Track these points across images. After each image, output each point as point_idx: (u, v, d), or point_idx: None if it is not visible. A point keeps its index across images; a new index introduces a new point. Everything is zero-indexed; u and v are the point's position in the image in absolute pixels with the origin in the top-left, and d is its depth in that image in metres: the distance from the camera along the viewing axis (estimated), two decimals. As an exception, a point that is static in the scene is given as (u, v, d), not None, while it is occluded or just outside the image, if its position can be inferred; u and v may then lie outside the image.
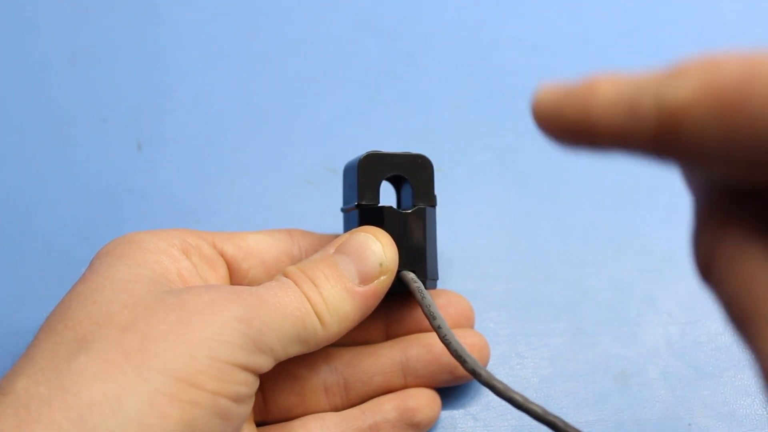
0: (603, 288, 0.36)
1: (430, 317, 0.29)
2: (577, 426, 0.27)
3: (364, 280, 0.29)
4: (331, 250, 0.29)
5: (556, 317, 0.36)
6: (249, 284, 0.30)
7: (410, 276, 0.30)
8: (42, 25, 0.42)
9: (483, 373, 0.28)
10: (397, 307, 0.33)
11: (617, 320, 0.35)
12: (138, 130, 0.40)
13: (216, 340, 0.25)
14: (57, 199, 0.38)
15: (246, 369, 0.25)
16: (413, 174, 0.31)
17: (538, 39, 0.42)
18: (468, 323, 0.33)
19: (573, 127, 0.16)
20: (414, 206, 0.31)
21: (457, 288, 0.35)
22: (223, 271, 0.30)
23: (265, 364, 0.26)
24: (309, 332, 0.27)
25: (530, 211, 0.38)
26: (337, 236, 0.31)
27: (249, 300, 0.26)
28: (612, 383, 0.34)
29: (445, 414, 0.33)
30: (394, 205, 0.32)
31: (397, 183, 0.32)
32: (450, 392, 0.33)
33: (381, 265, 0.29)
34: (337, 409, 0.32)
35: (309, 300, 0.27)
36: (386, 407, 0.31)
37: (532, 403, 0.27)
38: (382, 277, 0.29)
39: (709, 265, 0.16)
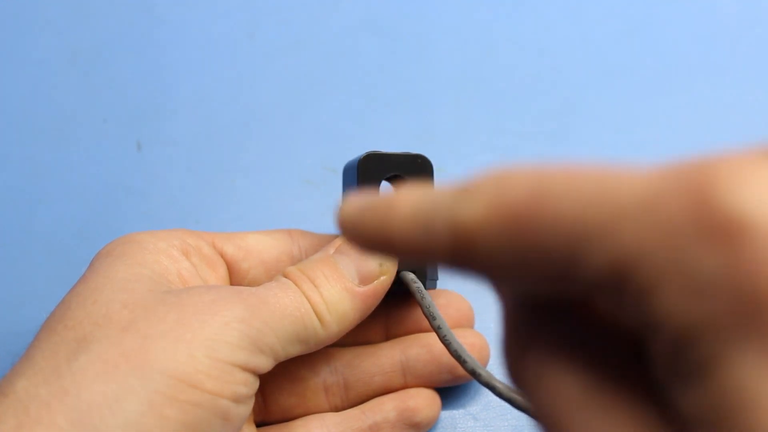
0: (603, 288, 0.36)
1: (430, 317, 0.29)
2: (577, 426, 0.27)
3: (364, 280, 0.29)
4: (331, 250, 0.29)
5: (556, 317, 0.36)
6: (249, 284, 0.30)
7: (410, 276, 0.30)
8: (42, 25, 0.42)
9: (483, 373, 0.28)
10: (397, 307, 0.32)
11: (617, 320, 0.35)
12: (138, 130, 0.40)
13: (216, 340, 0.25)
14: (57, 199, 0.38)
15: (246, 369, 0.25)
16: (413, 174, 0.31)
17: (538, 39, 0.42)
18: (468, 323, 0.33)
19: (374, 242, 0.16)
20: (414, 206, 0.31)
21: (457, 288, 0.34)
22: (222, 271, 0.30)
23: (265, 364, 0.26)
24: (309, 332, 0.27)
25: (530, 211, 0.38)
26: (337, 236, 0.31)
27: (249, 300, 0.26)
28: (612, 383, 0.34)
29: (445, 414, 0.33)
30: (394, 205, 0.32)
31: (397, 183, 0.32)
32: (450, 392, 0.33)
33: (381, 265, 0.29)
34: (337, 409, 0.32)
35: (309, 300, 0.27)
36: (386, 407, 0.31)
37: (532, 403, 0.27)
38: (381, 278, 0.29)
39: (518, 375, 0.16)
